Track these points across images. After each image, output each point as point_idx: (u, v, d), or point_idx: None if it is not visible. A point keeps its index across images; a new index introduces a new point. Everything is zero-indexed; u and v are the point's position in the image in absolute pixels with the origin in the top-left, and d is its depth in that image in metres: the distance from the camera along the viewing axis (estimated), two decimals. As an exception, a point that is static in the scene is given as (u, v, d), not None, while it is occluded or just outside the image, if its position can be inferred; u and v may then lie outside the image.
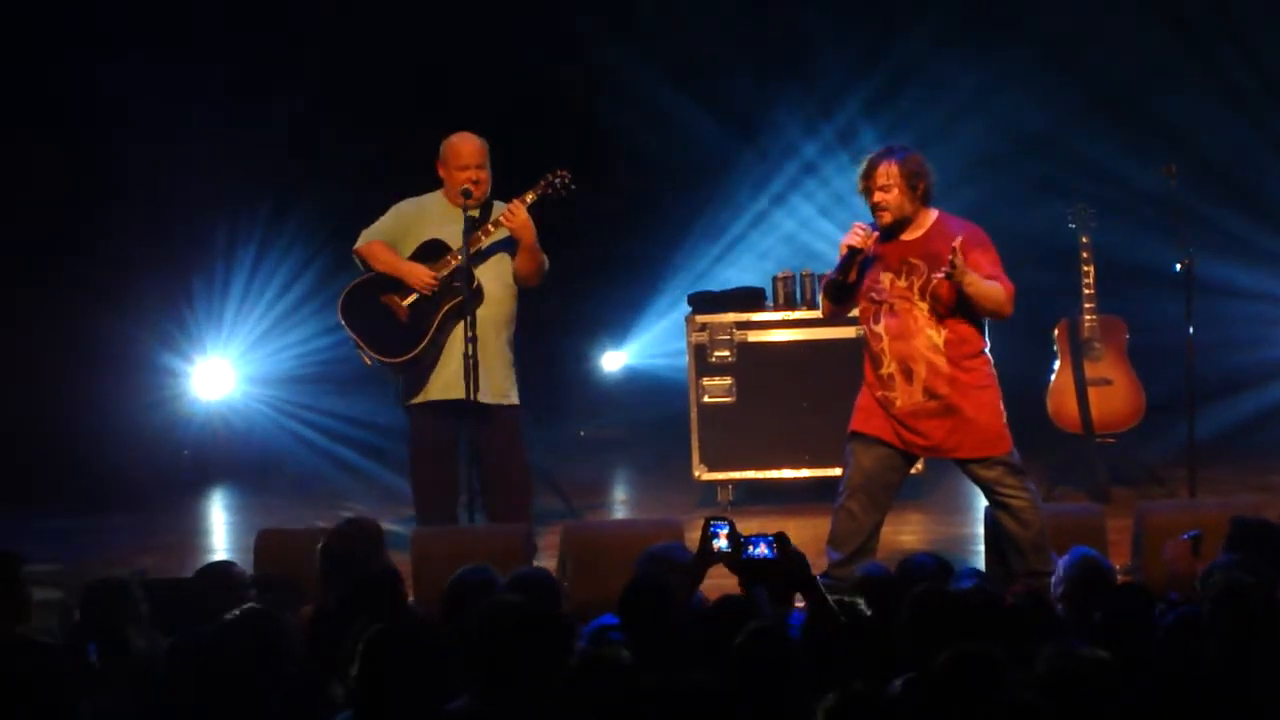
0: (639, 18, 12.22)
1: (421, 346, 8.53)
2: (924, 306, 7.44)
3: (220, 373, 12.44)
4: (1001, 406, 7.55)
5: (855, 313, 7.74)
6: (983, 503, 7.82)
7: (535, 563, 7.80)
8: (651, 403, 12.28)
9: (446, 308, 8.52)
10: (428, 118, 9.69)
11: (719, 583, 6.20)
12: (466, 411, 8.47)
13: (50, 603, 6.74)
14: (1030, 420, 9.37)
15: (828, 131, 12.30)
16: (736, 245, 12.50)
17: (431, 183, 8.76)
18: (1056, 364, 10.15)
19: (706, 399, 10.14)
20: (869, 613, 5.90)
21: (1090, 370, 10.09)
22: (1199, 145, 11.22)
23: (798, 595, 5.98)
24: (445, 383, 8.55)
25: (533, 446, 9.21)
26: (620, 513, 10.63)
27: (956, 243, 7.32)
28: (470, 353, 8.31)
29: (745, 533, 6.00)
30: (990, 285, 7.38)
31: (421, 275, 8.55)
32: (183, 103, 11.84)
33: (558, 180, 8.53)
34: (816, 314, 9.82)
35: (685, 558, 6.30)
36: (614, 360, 13.14)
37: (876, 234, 7.47)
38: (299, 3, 11.98)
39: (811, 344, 10.09)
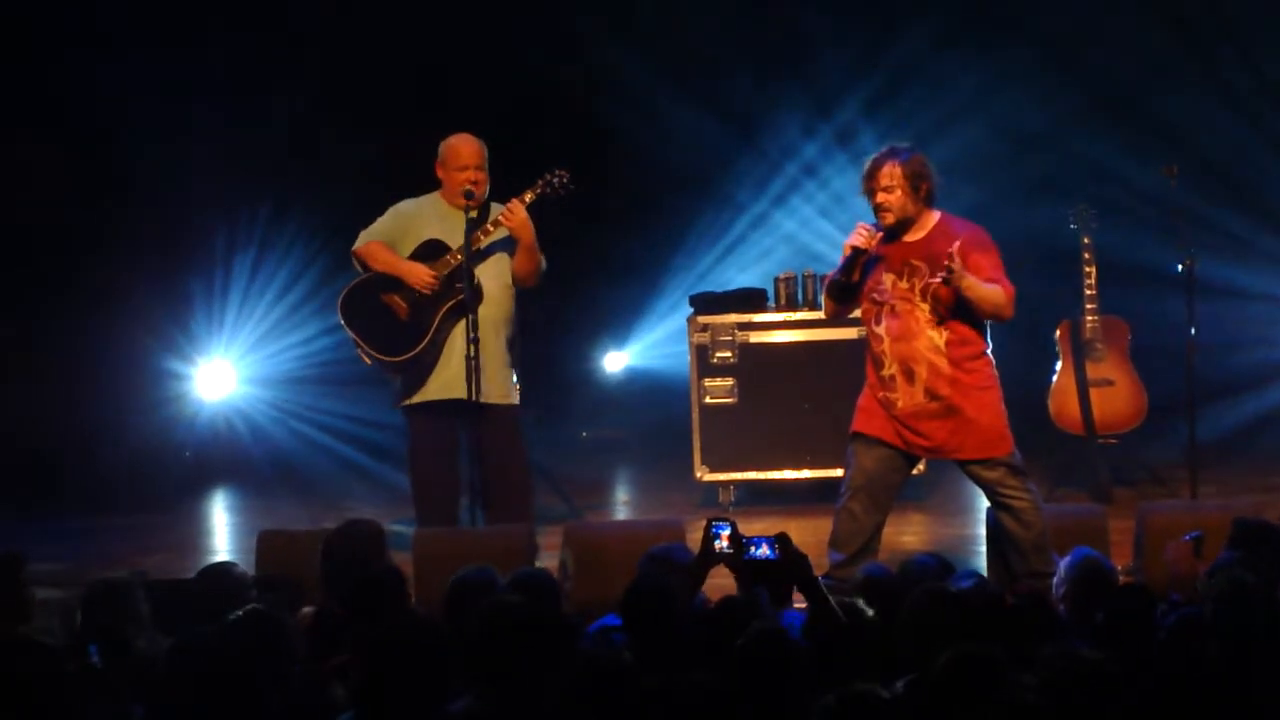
0: (639, 18, 12.22)
1: (422, 346, 8.52)
2: (925, 308, 7.43)
3: (221, 374, 12.44)
4: (1003, 407, 7.54)
5: (858, 313, 7.74)
6: (984, 503, 7.81)
7: (537, 563, 7.79)
8: (653, 403, 12.28)
9: (446, 307, 8.51)
10: (428, 118, 9.69)
11: (721, 583, 6.20)
12: (466, 411, 8.46)
13: (51, 603, 6.74)
14: (1032, 421, 9.37)
15: (827, 131, 12.30)
16: (737, 246, 12.50)
17: (431, 183, 8.75)
18: (1058, 365, 10.15)
19: (708, 400, 10.14)
20: (870, 613, 5.89)
21: (1092, 371, 10.09)
22: (1200, 145, 11.21)
23: (797, 594, 5.98)
24: (445, 382, 8.54)
25: (534, 447, 9.21)
26: (622, 513, 10.64)
27: (954, 248, 7.32)
28: (472, 354, 8.31)
29: (747, 534, 6.00)
30: (990, 288, 7.36)
31: (421, 274, 8.54)
32: (183, 103, 11.84)
33: (556, 179, 8.52)
34: (818, 315, 9.82)
35: (687, 559, 6.30)
36: (616, 361, 13.14)
37: (880, 234, 7.46)
38: (299, 3, 11.98)
39: (813, 345, 10.09)
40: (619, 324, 12.93)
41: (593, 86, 12.28)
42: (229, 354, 12.47)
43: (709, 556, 6.00)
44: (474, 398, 8.34)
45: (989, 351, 7.55)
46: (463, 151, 8.63)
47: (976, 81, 11.77)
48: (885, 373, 7.53)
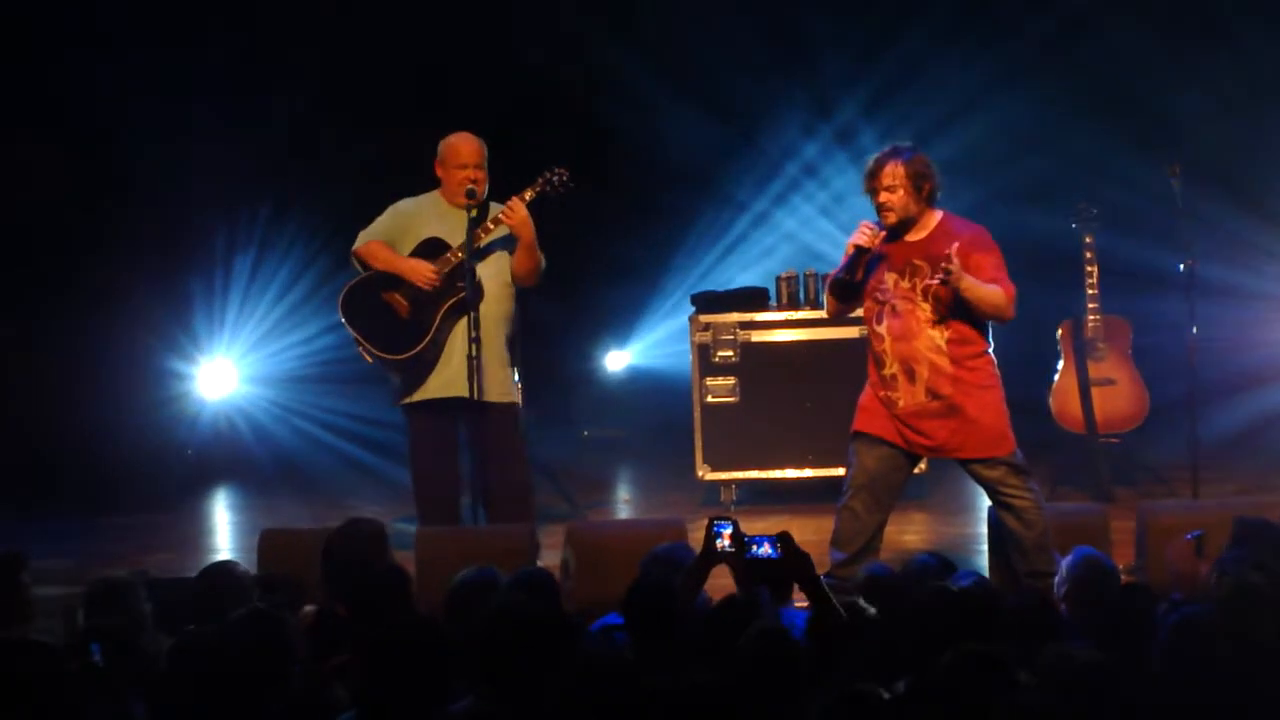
0: (639, 18, 12.21)
1: (423, 344, 8.52)
2: (926, 307, 7.43)
3: (223, 373, 12.44)
4: (1005, 407, 7.54)
5: (859, 312, 7.74)
6: (986, 503, 7.81)
7: (539, 562, 7.79)
8: (655, 403, 12.29)
9: (447, 305, 8.51)
10: (428, 118, 9.68)
11: (724, 583, 6.19)
12: (466, 409, 8.46)
13: (53, 602, 6.74)
14: (1034, 420, 9.36)
15: (827, 131, 12.30)
16: (738, 245, 12.50)
17: (431, 182, 8.75)
18: (1060, 364, 10.15)
19: (710, 399, 10.14)
20: (872, 612, 5.89)
21: (1094, 370, 10.10)
22: (1203, 144, 11.20)
23: (797, 591, 5.98)
24: (446, 380, 8.54)
25: (536, 446, 9.20)
26: (624, 512, 10.63)
27: (952, 249, 7.31)
28: (474, 353, 8.30)
29: (749, 532, 5.99)
30: (989, 289, 7.36)
31: (423, 270, 8.53)
32: (183, 103, 11.84)
33: (556, 178, 8.52)
34: (820, 314, 9.82)
35: (690, 558, 6.29)
36: (617, 360, 13.15)
37: (883, 233, 7.46)
38: (299, 2, 11.97)
39: (815, 344, 10.09)
40: (620, 323, 12.93)
41: (593, 86, 12.28)
42: (230, 353, 12.47)
43: (711, 556, 5.99)
44: (475, 396, 8.34)
45: (990, 351, 7.55)
46: (462, 150, 8.62)
47: (976, 81, 11.77)
48: (886, 372, 7.52)
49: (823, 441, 9.78)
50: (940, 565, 6.48)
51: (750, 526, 6.15)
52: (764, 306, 10.33)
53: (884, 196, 7.43)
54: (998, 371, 7.56)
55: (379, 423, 11.12)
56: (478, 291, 8.44)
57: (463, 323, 8.43)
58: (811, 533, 8.02)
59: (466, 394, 8.37)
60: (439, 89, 11.88)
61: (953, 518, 9.75)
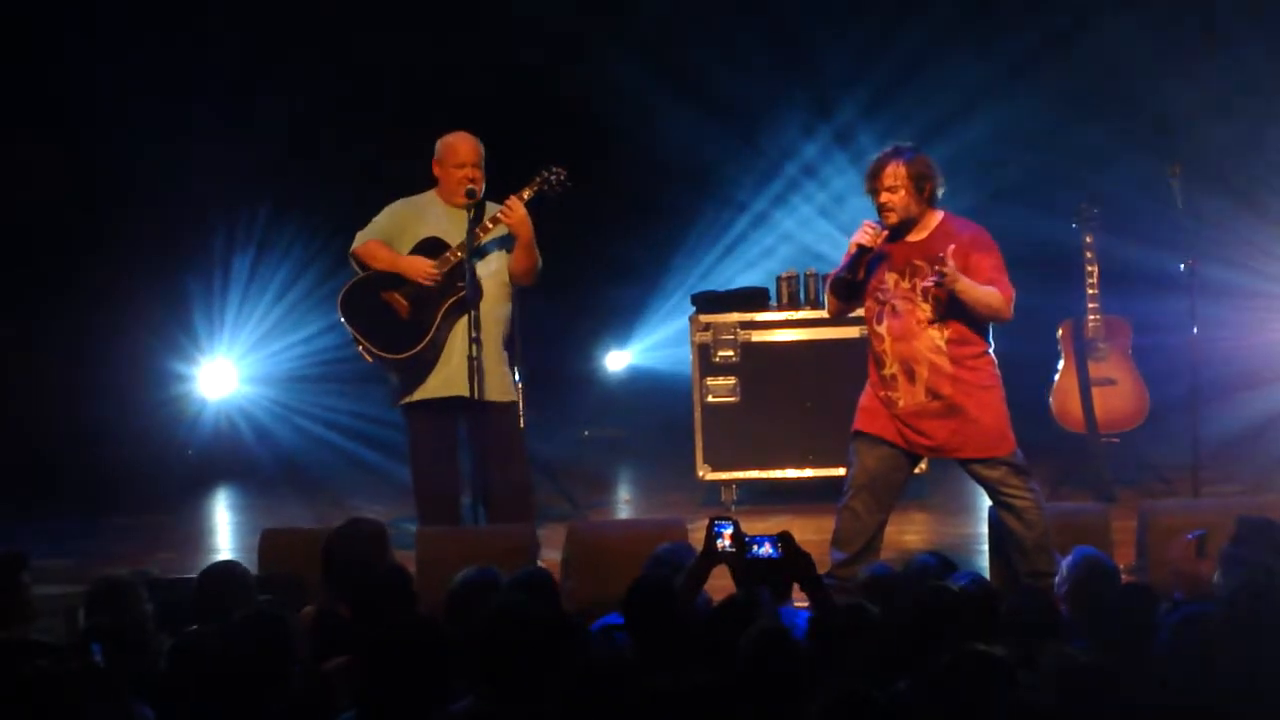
0: (639, 18, 12.20)
1: (424, 343, 8.51)
2: (926, 307, 7.43)
3: (224, 373, 12.44)
4: (1005, 407, 7.54)
5: (860, 312, 7.73)
6: (987, 503, 7.81)
7: (539, 562, 7.79)
8: (655, 403, 12.28)
9: (447, 305, 8.51)
10: (427, 118, 9.68)
11: (725, 584, 6.19)
12: (466, 409, 8.46)
13: (54, 602, 6.73)
14: (1034, 420, 9.36)
15: (827, 131, 12.30)
16: (739, 245, 12.50)
17: (429, 182, 8.75)
18: (1061, 364, 10.15)
19: (710, 399, 10.13)
20: (874, 612, 5.89)
21: (1094, 370, 10.09)
22: (1204, 143, 11.20)
23: (797, 591, 5.98)
24: (446, 379, 8.53)
25: (537, 446, 9.19)
26: (624, 512, 10.63)
27: (948, 250, 7.31)
28: (474, 353, 8.30)
29: (749, 533, 5.99)
30: (986, 291, 7.35)
31: (423, 267, 8.52)
32: (183, 103, 11.83)
33: (554, 177, 8.51)
34: (820, 314, 9.80)
35: (691, 559, 6.29)
36: (618, 360, 13.14)
37: (886, 233, 7.46)
38: (300, 3, 11.97)
39: (815, 344, 10.08)
40: (621, 323, 12.93)
41: (592, 86, 12.27)
42: (231, 353, 12.46)
43: (711, 556, 5.99)
44: (476, 396, 8.34)
45: (991, 351, 7.54)
46: (460, 149, 8.62)
47: (976, 81, 11.76)
48: (887, 372, 7.52)
49: (823, 441, 9.78)
50: (941, 565, 6.48)
51: (751, 526, 6.16)
52: (764, 306, 10.32)
53: (885, 197, 7.43)
54: (998, 371, 7.56)
55: (380, 421, 11.11)
56: (477, 291, 8.44)
57: (462, 322, 8.43)
58: (812, 533, 8.01)
59: (466, 393, 8.37)
60: (439, 89, 11.88)
61: (953, 518, 9.75)
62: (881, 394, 7.55)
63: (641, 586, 5.80)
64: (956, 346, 7.45)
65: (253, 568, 7.34)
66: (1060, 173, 11.42)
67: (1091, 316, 10.06)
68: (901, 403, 7.50)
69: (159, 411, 12.20)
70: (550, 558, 8.11)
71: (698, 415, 10.15)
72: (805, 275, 10.38)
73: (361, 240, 8.67)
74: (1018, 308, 7.47)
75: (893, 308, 7.48)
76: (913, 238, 7.49)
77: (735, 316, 10.20)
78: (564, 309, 11.62)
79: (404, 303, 8.55)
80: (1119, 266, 10.31)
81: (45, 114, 11.84)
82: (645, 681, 4.86)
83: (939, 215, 7.52)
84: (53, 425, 11.60)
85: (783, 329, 10.19)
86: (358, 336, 8.60)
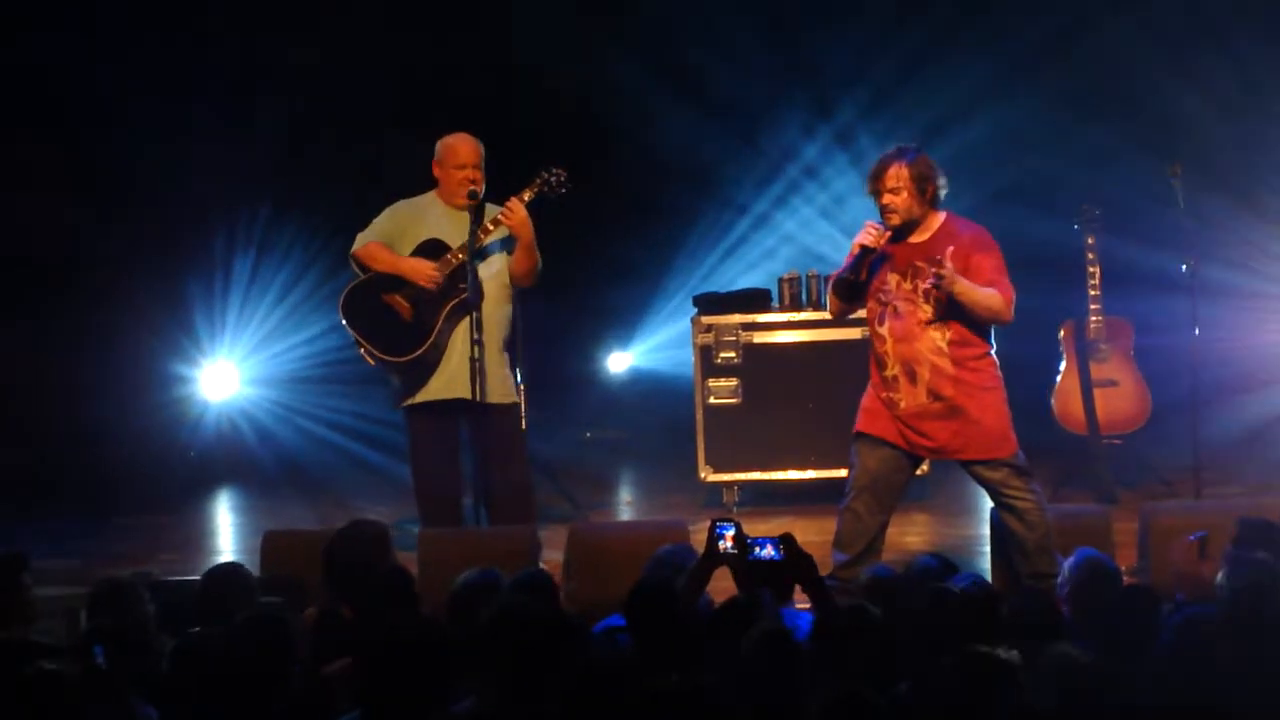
0: (638, 18, 12.20)
1: (426, 345, 8.51)
2: (928, 309, 7.43)
3: (225, 374, 12.44)
4: (1007, 408, 7.54)
5: (862, 313, 7.73)
6: (988, 504, 7.81)
7: (541, 563, 7.79)
8: (657, 404, 12.29)
9: (449, 306, 8.50)
10: (427, 118, 9.68)
11: (727, 585, 6.19)
12: (467, 410, 8.46)
13: (55, 603, 6.73)
14: (1036, 422, 9.35)
15: (827, 132, 12.30)
16: (740, 246, 12.50)
17: (429, 184, 8.74)
18: (1062, 365, 10.15)
19: (712, 400, 10.13)
20: (876, 613, 5.89)
21: (1096, 371, 10.09)
22: (1205, 143, 11.19)
23: (799, 592, 5.98)
24: (446, 381, 8.53)
25: (538, 447, 9.19)
26: (626, 514, 10.63)
27: (947, 252, 7.31)
28: (476, 354, 8.30)
29: (751, 534, 5.99)
30: (985, 293, 7.34)
31: (424, 269, 8.52)
32: (183, 103, 11.83)
33: (554, 177, 8.51)
34: (822, 315, 9.79)
35: (693, 560, 6.29)
36: (620, 361, 13.15)
37: (888, 233, 7.46)
38: (300, 3, 11.97)
39: (817, 345, 10.08)
40: (623, 324, 12.94)
41: (592, 86, 12.27)
42: (232, 355, 12.46)
43: (713, 557, 5.99)
44: (478, 398, 8.34)
45: (993, 352, 7.54)
46: (460, 150, 8.62)
47: (976, 81, 11.76)
48: (888, 373, 7.52)
49: (825, 443, 9.78)
50: (942, 567, 6.48)
51: (753, 528, 6.16)
52: (766, 308, 10.32)
53: (887, 198, 7.43)
54: (1000, 373, 7.55)
55: (382, 423, 11.11)
56: (479, 292, 8.43)
57: (464, 324, 8.43)
58: (814, 534, 8.01)
59: (468, 395, 8.37)
60: (439, 89, 11.88)
61: (955, 519, 9.75)
62: (883, 395, 7.55)
63: (643, 588, 5.80)
64: (958, 348, 7.44)
65: (255, 569, 7.34)
66: (1060, 173, 11.42)
67: (1093, 318, 10.06)
68: (903, 404, 7.50)
69: (160, 412, 12.20)
70: (552, 559, 8.11)
71: (699, 416, 10.15)
72: (807, 276, 10.38)
73: (362, 242, 8.66)
74: (1019, 309, 7.46)
75: (894, 309, 7.48)
76: (915, 239, 7.49)
77: (737, 318, 10.20)
78: (565, 310, 11.62)
79: (406, 305, 8.54)
80: (1120, 267, 10.31)
81: (45, 114, 11.83)
82: (647, 683, 4.86)
83: (941, 216, 7.51)
84: (54, 426, 11.60)
85: (785, 330, 10.19)
86: (359, 339, 8.60)
